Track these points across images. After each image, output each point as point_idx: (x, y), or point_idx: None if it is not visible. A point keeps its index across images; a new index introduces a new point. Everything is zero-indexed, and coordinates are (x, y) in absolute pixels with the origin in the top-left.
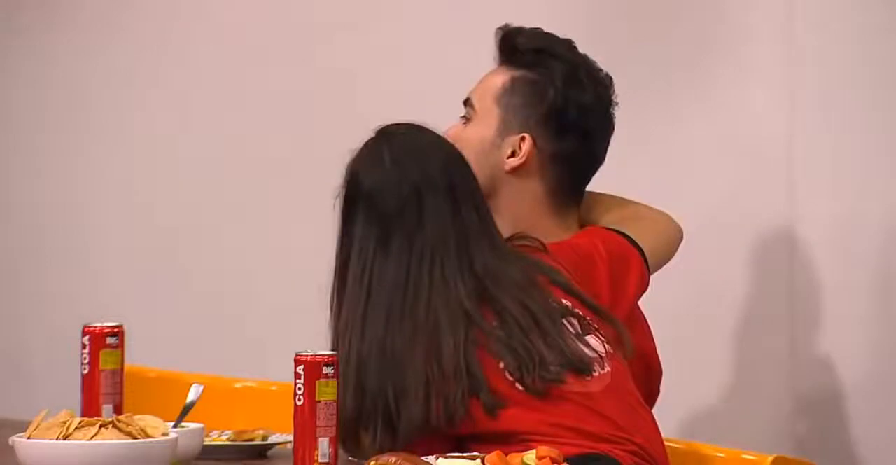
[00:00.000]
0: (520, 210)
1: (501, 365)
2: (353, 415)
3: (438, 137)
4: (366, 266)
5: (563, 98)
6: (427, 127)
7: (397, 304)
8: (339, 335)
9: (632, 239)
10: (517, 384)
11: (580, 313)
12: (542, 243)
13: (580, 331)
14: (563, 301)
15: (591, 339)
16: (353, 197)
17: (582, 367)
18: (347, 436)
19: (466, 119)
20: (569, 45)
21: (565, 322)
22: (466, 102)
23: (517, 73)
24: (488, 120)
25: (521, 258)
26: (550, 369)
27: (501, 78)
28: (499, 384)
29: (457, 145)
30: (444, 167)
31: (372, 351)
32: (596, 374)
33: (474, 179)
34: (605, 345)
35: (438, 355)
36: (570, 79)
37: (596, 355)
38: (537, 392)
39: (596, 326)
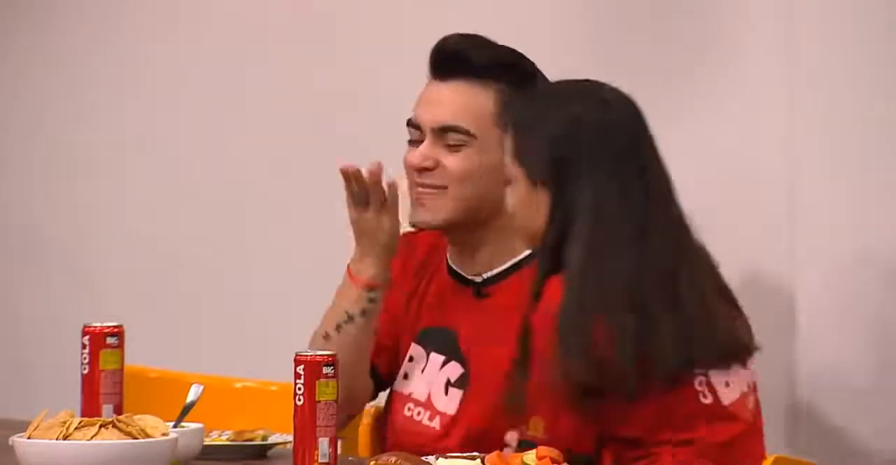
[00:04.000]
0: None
1: None
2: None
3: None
4: (623, 207)
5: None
6: None
7: (682, 239)
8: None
9: None
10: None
11: None
12: None
13: None
14: None
15: None
16: (574, 141)
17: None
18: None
19: (456, 146)
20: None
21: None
22: (451, 129)
23: (490, 90)
24: (493, 144)
25: None
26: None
27: (484, 98)
28: None
29: (478, 177)
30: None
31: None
32: None
33: None
34: None
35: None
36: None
37: None
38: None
39: None
